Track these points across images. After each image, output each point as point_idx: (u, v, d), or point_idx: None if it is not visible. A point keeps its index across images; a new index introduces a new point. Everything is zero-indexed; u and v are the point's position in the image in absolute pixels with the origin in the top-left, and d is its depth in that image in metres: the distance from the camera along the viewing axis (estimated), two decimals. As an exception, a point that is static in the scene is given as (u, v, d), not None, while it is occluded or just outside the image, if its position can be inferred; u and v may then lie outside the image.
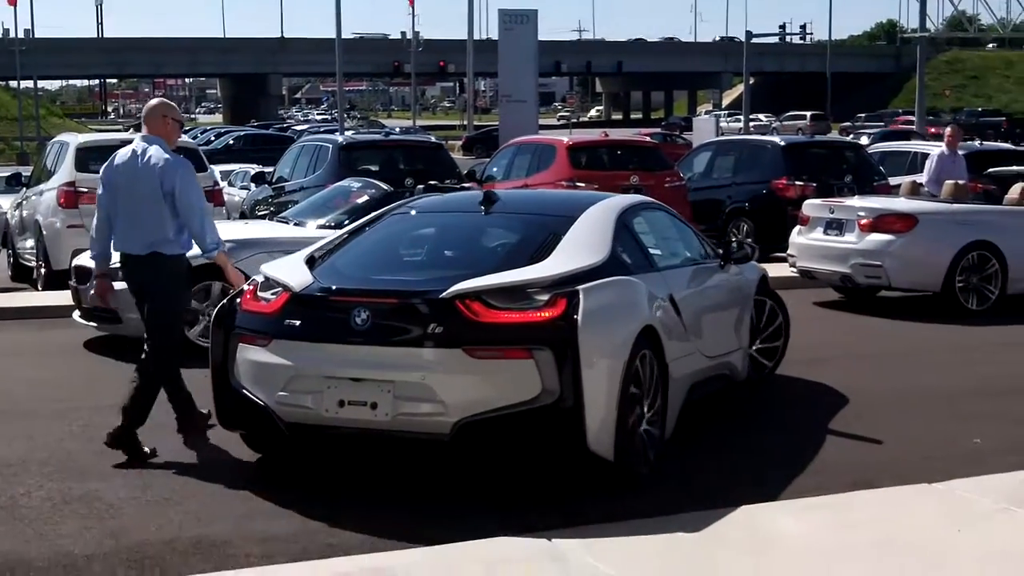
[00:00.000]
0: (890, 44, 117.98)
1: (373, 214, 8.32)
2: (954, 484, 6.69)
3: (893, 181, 18.31)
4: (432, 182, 13.00)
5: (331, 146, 17.23)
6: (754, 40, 70.14)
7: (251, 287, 7.04)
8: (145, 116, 7.87)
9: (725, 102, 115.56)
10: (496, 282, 6.49)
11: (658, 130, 59.42)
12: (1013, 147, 21.92)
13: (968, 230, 13.72)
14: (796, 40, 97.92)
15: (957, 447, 7.89)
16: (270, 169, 19.38)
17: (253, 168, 23.61)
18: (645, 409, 6.81)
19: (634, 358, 6.56)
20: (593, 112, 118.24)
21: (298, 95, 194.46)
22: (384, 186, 12.36)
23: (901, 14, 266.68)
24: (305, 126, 66.94)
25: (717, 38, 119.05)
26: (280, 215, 13.33)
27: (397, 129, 70.90)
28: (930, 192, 15.33)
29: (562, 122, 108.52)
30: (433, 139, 26.97)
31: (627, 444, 6.52)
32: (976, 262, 13.52)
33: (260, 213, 16.30)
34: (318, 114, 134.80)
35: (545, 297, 6.39)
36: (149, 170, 7.50)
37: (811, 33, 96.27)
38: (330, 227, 11.56)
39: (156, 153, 7.56)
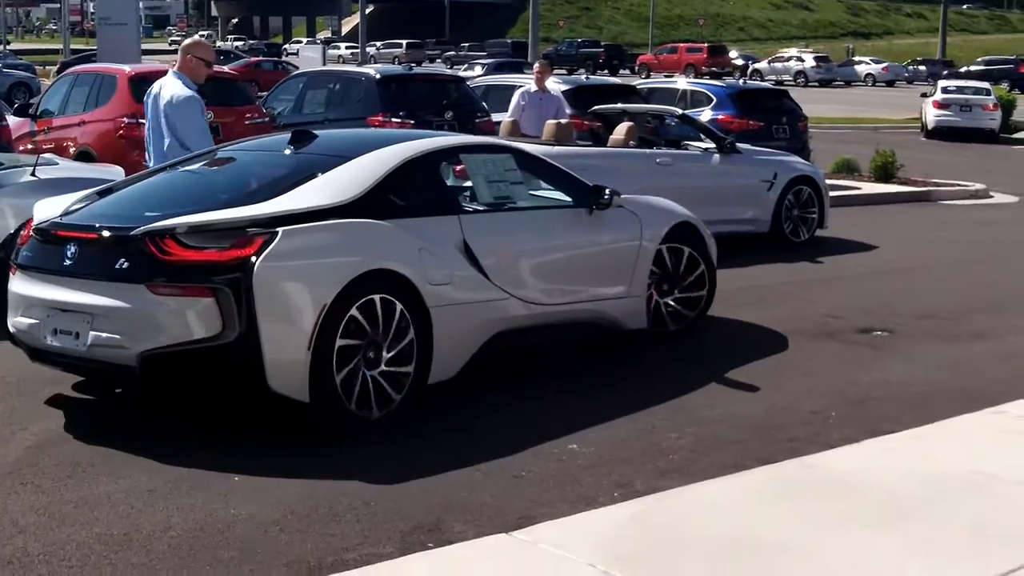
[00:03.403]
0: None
1: (194, 154, 8.55)
2: (541, 531, 5.12)
3: (497, 118, 16.87)
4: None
5: None
6: (371, -34, 68.35)
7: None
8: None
9: (345, 29, 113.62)
10: (188, 221, 6.57)
11: (271, 59, 56.31)
12: (622, 82, 20.97)
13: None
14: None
15: (547, 458, 6.36)
16: None
17: None
18: (384, 353, 6.83)
19: (348, 301, 6.59)
20: (198, 36, 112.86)
21: None
22: None
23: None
24: None
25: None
26: None
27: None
28: (523, 132, 13.95)
29: (174, 47, 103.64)
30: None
31: (332, 388, 6.55)
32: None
33: None
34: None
35: (239, 237, 6.47)
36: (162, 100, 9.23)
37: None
38: None
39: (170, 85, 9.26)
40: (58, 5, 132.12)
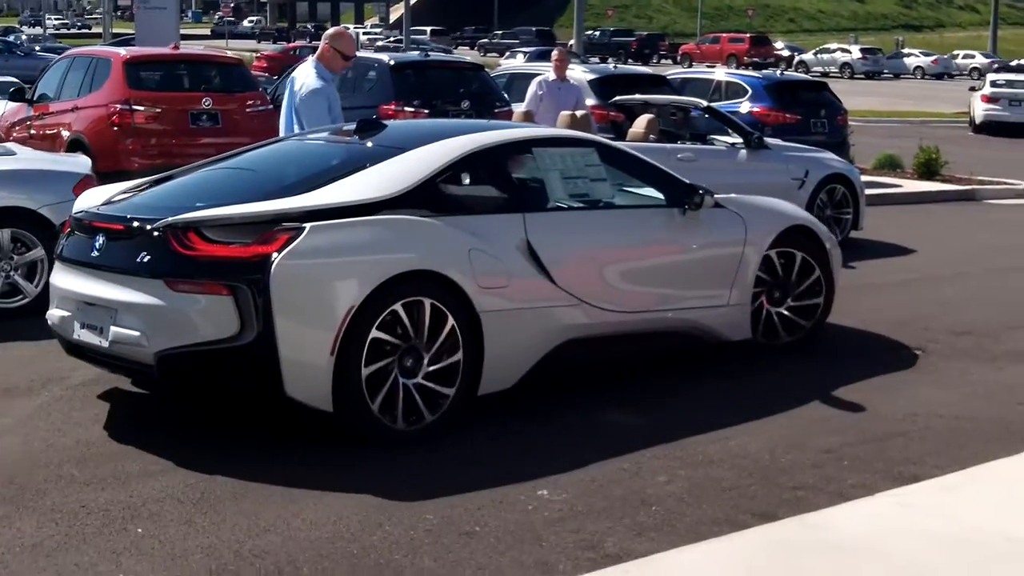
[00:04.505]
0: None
1: (260, 143, 8.23)
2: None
3: (520, 108, 15.98)
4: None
5: None
6: (415, -49, 67.28)
7: None
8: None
9: (393, 16, 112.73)
10: (212, 214, 6.20)
11: (305, 43, 55.62)
12: (652, 71, 20.00)
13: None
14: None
15: (510, 507, 5.50)
16: None
17: None
18: (424, 361, 6.36)
19: (380, 304, 6.14)
20: (246, 23, 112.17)
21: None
22: None
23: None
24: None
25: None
26: None
27: (24, 38, 64.98)
28: (538, 123, 13.06)
29: (220, 30, 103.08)
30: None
31: (359, 398, 6.11)
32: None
33: None
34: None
35: (263, 232, 6.05)
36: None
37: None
38: None
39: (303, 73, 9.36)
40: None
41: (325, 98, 9.21)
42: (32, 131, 15.65)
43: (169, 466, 5.92)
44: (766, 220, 8.48)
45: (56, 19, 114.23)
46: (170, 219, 6.16)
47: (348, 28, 10.10)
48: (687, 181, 8.06)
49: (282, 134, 9.30)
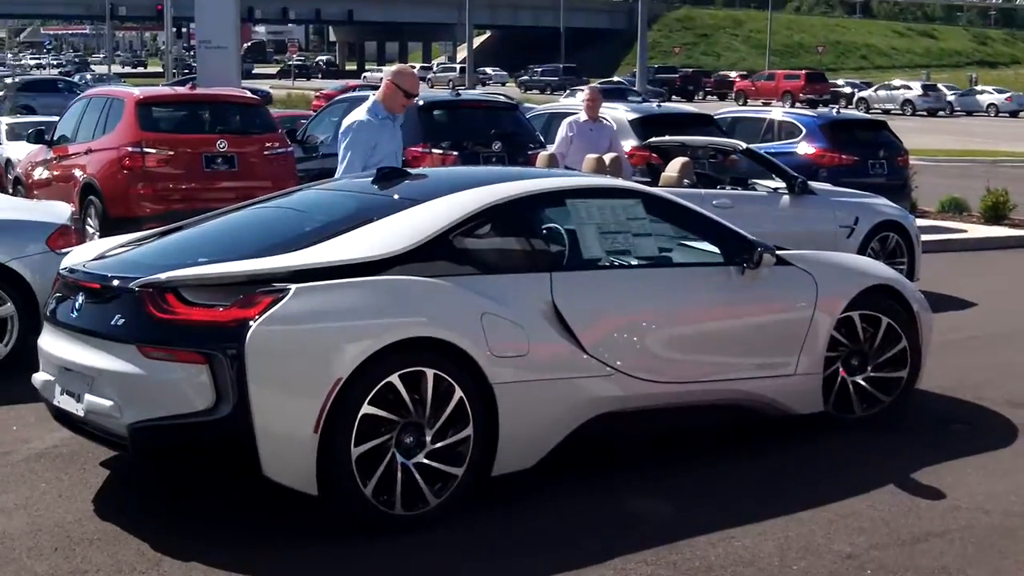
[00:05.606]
0: (624, 0, 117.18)
1: (275, 193, 7.69)
2: None
3: (545, 151, 15.19)
4: None
5: None
6: (483, -9, 67.38)
7: None
8: None
9: (461, 55, 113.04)
10: (191, 274, 5.65)
11: (361, 81, 55.39)
12: (697, 110, 19.11)
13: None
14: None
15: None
16: None
17: None
18: (428, 438, 5.73)
19: (374, 375, 5.55)
20: (320, 59, 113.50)
21: (20, 38, 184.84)
22: None
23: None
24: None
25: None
26: None
27: (89, 77, 65.46)
28: (567, 167, 12.26)
29: (289, 69, 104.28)
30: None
31: (348, 479, 5.51)
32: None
33: None
34: (31, 58, 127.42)
35: (244, 294, 5.52)
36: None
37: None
38: None
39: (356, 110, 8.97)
40: (186, 29, 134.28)
41: (354, 133, 8.69)
42: (53, 172, 15.22)
43: (81, 569, 5.16)
44: (841, 279, 7.64)
45: (32, 58, 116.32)
46: (148, 278, 5.65)
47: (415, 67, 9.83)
48: (748, 235, 7.28)
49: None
